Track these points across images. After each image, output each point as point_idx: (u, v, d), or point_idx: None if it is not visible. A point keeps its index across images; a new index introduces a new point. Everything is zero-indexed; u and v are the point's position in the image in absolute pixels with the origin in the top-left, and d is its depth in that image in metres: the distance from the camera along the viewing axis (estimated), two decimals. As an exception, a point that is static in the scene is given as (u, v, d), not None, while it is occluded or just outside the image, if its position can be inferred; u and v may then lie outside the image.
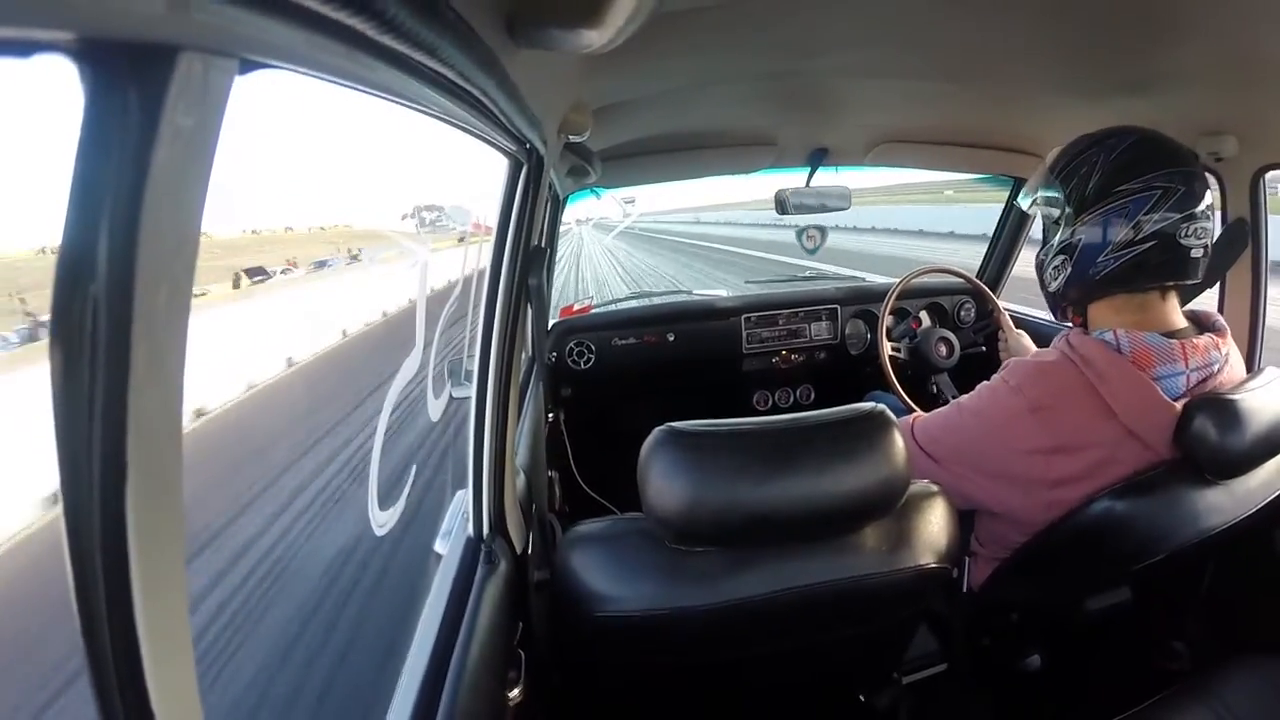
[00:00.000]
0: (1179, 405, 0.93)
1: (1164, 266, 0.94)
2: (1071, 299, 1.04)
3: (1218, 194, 1.30)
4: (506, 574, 0.87)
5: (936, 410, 1.12)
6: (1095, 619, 1.01)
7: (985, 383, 1.06)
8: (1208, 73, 1.08)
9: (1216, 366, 0.97)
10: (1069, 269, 1.00)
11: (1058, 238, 1.01)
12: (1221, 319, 1.02)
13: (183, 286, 0.29)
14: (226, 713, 2.17)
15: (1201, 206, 0.92)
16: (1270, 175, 1.25)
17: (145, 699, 0.29)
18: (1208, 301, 1.32)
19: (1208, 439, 0.90)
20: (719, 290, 2.43)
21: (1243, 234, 1.27)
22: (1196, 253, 0.93)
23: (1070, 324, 1.07)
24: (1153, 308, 0.98)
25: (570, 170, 1.47)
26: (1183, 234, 0.92)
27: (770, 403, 2.21)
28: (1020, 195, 1.10)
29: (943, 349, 1.86)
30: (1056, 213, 1.00)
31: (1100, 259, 0.96)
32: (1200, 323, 1.02)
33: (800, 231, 2.14)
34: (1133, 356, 0.94)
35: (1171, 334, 0.96)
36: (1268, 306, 1.32)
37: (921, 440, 1.08)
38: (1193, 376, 0.95)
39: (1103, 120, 1.02)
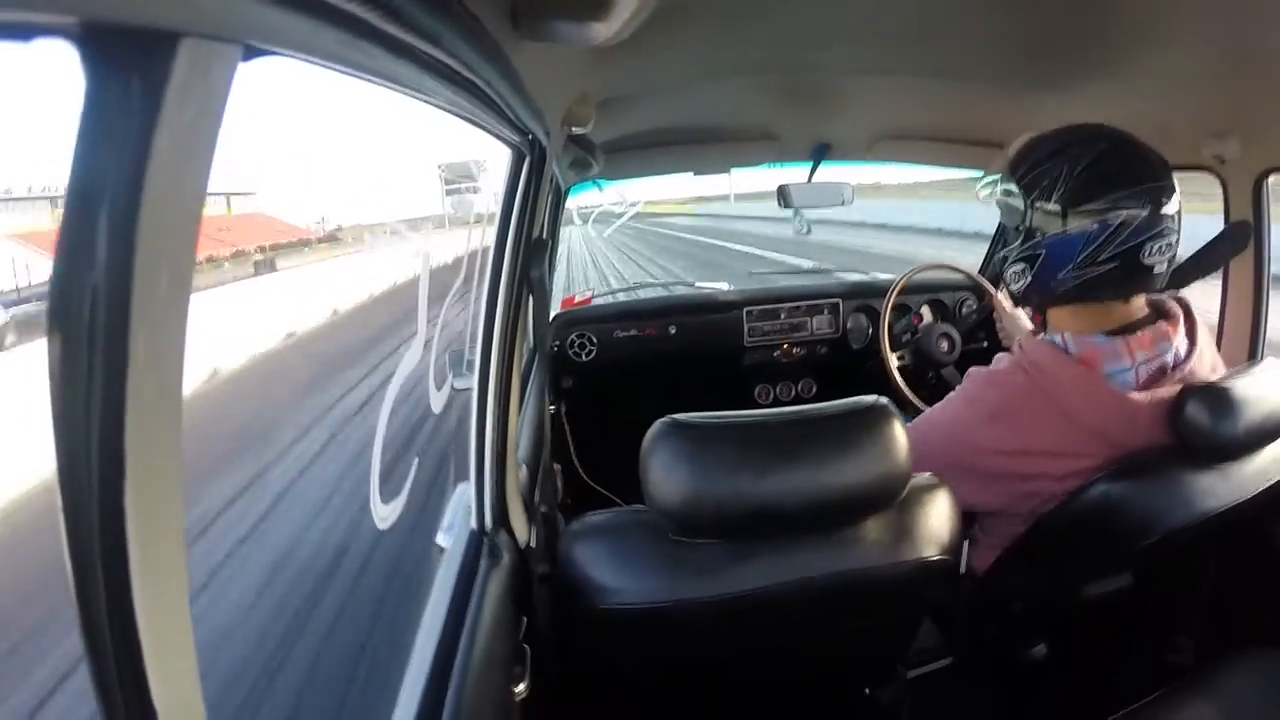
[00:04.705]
0: (1135, 396, 0.93)
1: (1125, 283, 0.94)
2: (1031, 303, 1.05)
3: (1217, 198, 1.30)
4: (510, 567, 0.87)
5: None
6: (1098, 606, 1.02)
7: (951, 393, 1.07)
8: (1214, 73, 1.07)
9: (1170, 355, 0.96)
10: (1028, 278, 0.98)
11: (1018, 245, 0.98)
12: (1175, 304, 1.00)
13: (183, 275, 0.29)
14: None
15: (1168, 222, 0.90)
16: (1273, 180, 1.24)
17: (146, 693, 0.29)
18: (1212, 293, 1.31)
19: (1201, 424, 0.90)
20: (720, 283, 2.42)
21: (1244, 237, 1.26)
22: (1160, 268, 0.92)
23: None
24: (1113, 312, 0.97)
25: (572, 162, 1.46)
26: (1147, 253, 0.90)
27: (772, 396, 2.21)
28: (980, 186, 1.09)
29: (944, 344, 1.86)
30: (1017, 220, 0.98)
31: (1061, 275, 0.94)
32: (1159, 310, 1.00)
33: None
34: (1080, 358, 0.94)
35: (1123, 329, 0.96)
36: (1269, 314, 1.31)
37: None
38: (1142, 370, 0.95)
39: (1109, 118, 1.01)
